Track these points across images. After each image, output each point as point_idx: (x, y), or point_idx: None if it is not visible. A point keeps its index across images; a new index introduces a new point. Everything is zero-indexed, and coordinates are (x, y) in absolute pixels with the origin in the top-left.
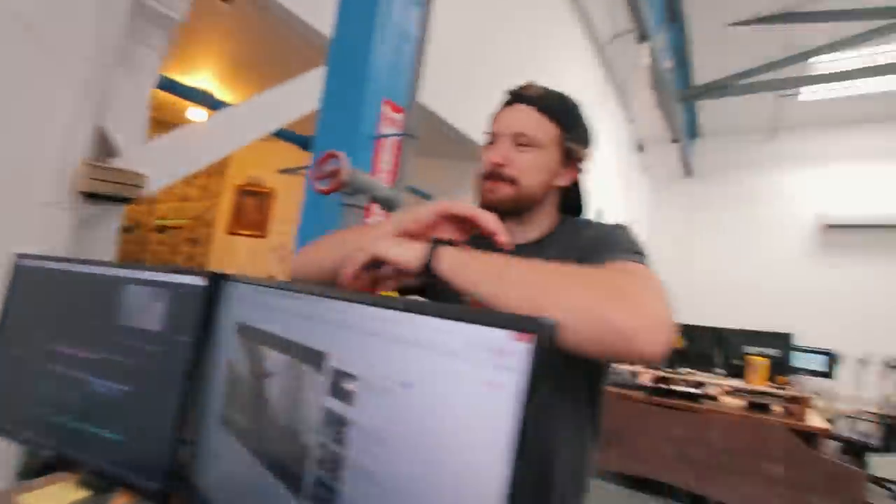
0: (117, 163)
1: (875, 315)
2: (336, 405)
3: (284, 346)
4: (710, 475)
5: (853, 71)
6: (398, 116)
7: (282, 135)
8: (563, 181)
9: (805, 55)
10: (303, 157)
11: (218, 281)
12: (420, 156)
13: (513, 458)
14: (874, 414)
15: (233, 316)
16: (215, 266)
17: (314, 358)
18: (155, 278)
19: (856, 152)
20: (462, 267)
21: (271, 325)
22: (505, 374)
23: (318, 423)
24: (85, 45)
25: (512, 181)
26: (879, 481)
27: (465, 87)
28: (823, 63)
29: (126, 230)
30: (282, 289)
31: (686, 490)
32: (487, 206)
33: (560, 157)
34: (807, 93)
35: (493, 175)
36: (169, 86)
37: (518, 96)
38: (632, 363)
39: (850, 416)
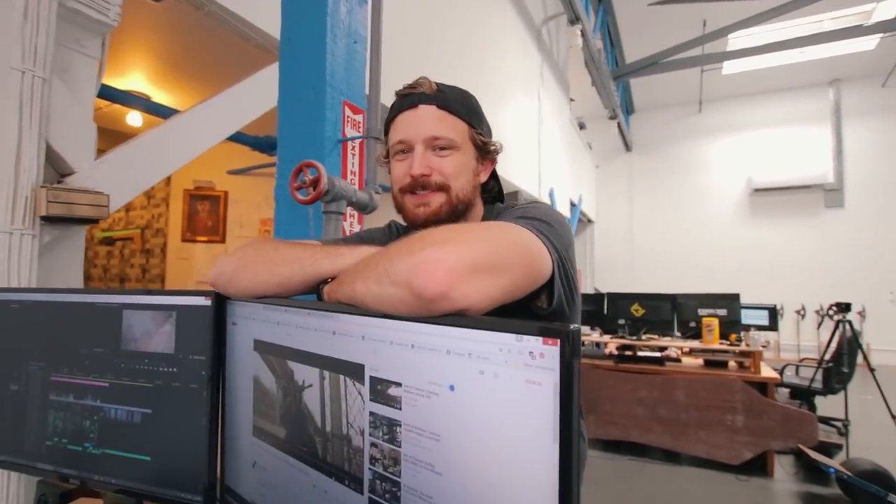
0: (72, 181)
1: (804, 269)
2: (382, 409)
3: (314, 360)
4: (679, 431)
5: (768, 45)
6: (358, 118)
7: (233, 136)
8: (484, 176)
9: (723, 31)
10: (252, 157)
11: (223, 300)
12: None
13: (560, 443)
14: (814, 360)
15: (247, 333)
16: (174, 276)
17: (352, 370)
18: (159, 302)
19: (774, 120)
20: (331, 294)
21: (293, 341)
22: (542, 373)
23: (366, 426)
24: (11, 54)
25: (441, 188)
26: (826, 420)
27: (411, 79)
28: (741, 38)
29: None
30: (297, 307)
31: (660, 447)
32: (424, 221)
33: (476, 152)
34: (728, 66)
35: (419, 187)
36: (103, 92)
37: (417, 97)
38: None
39: (794, 364)
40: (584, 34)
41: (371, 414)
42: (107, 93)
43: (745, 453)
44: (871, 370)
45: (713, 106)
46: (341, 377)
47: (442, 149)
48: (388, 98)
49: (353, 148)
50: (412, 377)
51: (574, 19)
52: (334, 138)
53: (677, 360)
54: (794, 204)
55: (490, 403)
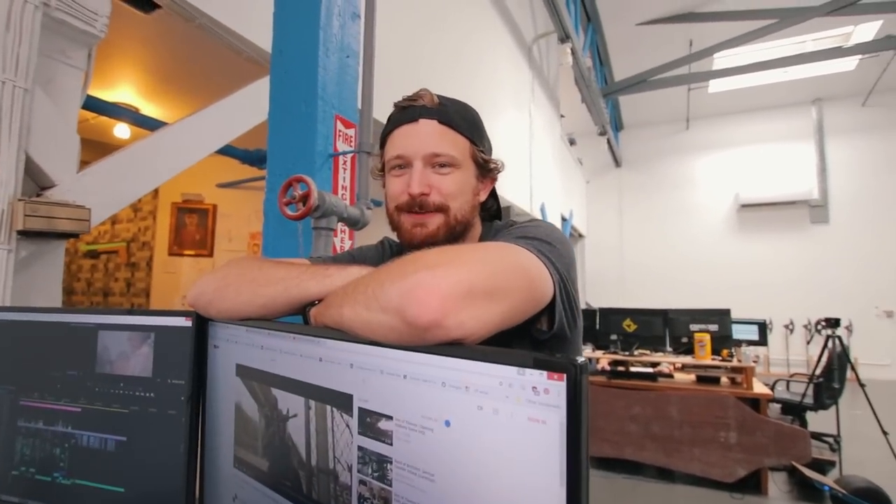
0: (53, 194)
1: (792, 284)
2: (371, 444)
3: (300, 388)
4: (673, 448)
5: (752, 65)
6: (350, 132)
7: (222, 150)
8: (483, 195)
9: (709, 51)
10: (241, 170)
11: (204, 322)
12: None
13: (568, 489)
14: (804, 375)
15: (229, 357)
16: (159, 290)
17: (340, 400)
18: (137, 322)
19: (759, 137)
20: (318, 318)
21: (277, 367)
22: (546, 411)
23: (354, 462)
24: None
25: (440, 209)
26: (817, 436)
27: (403, 93)
28: (726, 58)
29: None
30: (282, 330)
31: (654, 465)
32: (420, 243)
33: (476, 170)
34: (714, 85)
35: (417, 206)
36: (90, 103)
37: (417, 110)
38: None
39: (784, 379)
40: (573, 52)
41: (360, 448)
42: (94, 104)
43: (739, 471)
44: (862, 385)
45: (700, 123)
46: (328, 407)
47: (442, 166)
48: (380, 112)
49: (345, 162)
50: (404, 410)
51: (564, 37)
52: (325, 152)
53: (670, 375)
54: (781, 219)
55: (489, 442)
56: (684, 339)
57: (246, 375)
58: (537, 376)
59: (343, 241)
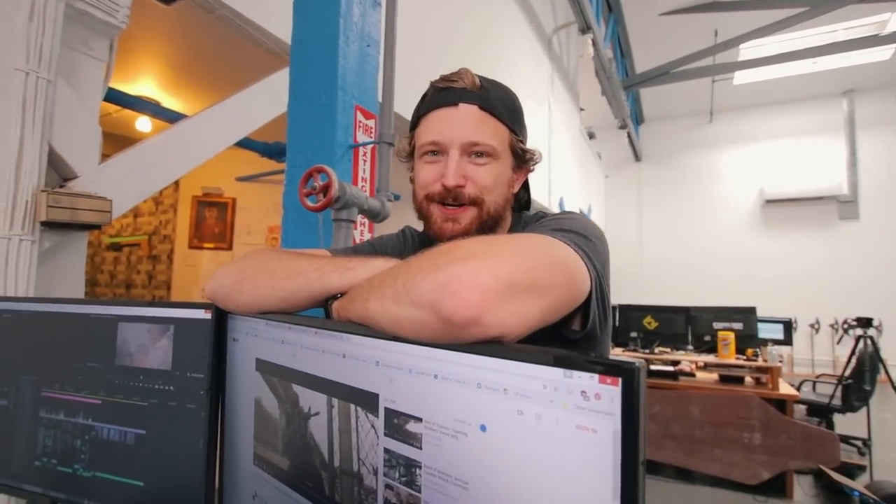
0: (75, 186)
1: (818, 281)
2: (399, 447)
3: (322, 385)
4: (694, 449)
5: (779, 55)
6: (370, 123)
7: (239, 142)
8: (517, 187)
9: (734, 41)
10: (260, 164)
11: (223, 314)
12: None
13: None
14: (831, 376)
15: (248, 351)
16: (180, 283)
17: (365, 399)
18: (156, 314)
19: (786, 131)
20: (341, 312)
21: (298, 362)
22: (598, 418)
23: (380, 465)
24: (16, 55)
25: (474, 202)
26: (846, 439)
27: (424, 87)
28: (752, 49)
29: None
30: (303, 325)
31: (673, 465)
32: (452, 237)
33: (513, 161)
34: (739, 77)
35: (451, 199)
36: (112, 96)
37: (457, 93)
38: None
39: (810, 380)
40: (594, 43)
41: (386, 451)
42: (116, 97)
43: (762, 473)
44: (895, 388)
45: (724, 116)
46: (352, 406)
47: (479, 155)
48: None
49: (365, 154)
50: (435, 412)
51: (585, 28)
52: (345, 144)
53: (691, 374)
54: (808, 215)
55: (531, 450)
56: (707, 338)
57: (266, 370)
58: (587, 380)
59: (363, 233)
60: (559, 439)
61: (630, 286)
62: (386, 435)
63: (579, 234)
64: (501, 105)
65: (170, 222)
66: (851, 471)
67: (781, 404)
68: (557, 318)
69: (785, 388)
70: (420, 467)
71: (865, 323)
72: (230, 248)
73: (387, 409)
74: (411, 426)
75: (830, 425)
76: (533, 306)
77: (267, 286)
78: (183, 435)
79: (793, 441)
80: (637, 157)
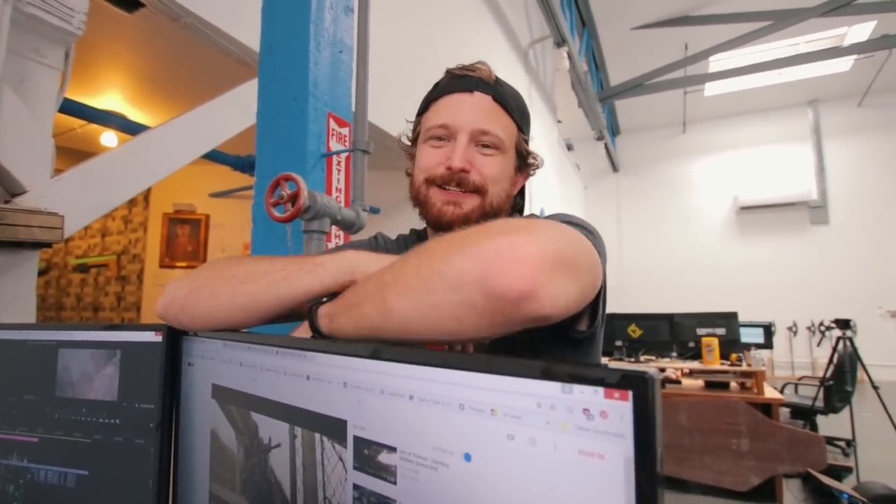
0: (23, 201)
1: (794, 285)
2: (370, 482)
3: (283, 412)
4: (683, 457)
5: (747, 67)
6: (344, 131)
7: (209, 156)
8: (517, 188)
9: (704, 54)
10: (235, 179)
11: (176, 336)
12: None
13: None
14: (811, 377)
15: (204, 376)
16: (151, 305)
17: (331, 427)
18: (101, 339)
19: (756, 140)
20: (336, 321)
21: (258, 387)
22: (605, 441)
23: (349, 503)
24: None
25: (478, 190)
26: (830, 440)
27: (399, 97)
28: (721, 61)
29: (39, 273)
30: (264, 343)
31: (664, 475)
32: (449, 223)
33: (517, 160)
34: (710, 88)
35: (453, 182)
36: (75, 109)
37: (474, 81)
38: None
39: (792, 383)
40: (569, 56)
41: (356, 487)
42: (79, 110)
43: (752, 479)
44: (875, 388)
45: (697, 127)
46: (317, 436)
47: (486, 146)
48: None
49: (339, 163)
50: (411, 440)
51: (560, 42)
52: (318, 152)
53: (677, 381)
54: (781, 221)
55: (524, 482)
56: (691, 344)
57: (223, 398)
58: (590, 395)
59: (337, 245)
60: (558, 467)
61: (612, 295)
62: (355, 468)
63: (586, 228)
64: (514, 102)
65: (140, 241)
66: (838, 473)
67: (767, 408)
68: (583, 305)
69: (769, 392)
70: None
71: (844, 324)
72: None
73: (356, 438)
74: (384, 457)
75: (814, 427)
76: (574, 285)
77: (225, 293)
78: (130, 474)
79: (780, 445)
80: (615, 168)
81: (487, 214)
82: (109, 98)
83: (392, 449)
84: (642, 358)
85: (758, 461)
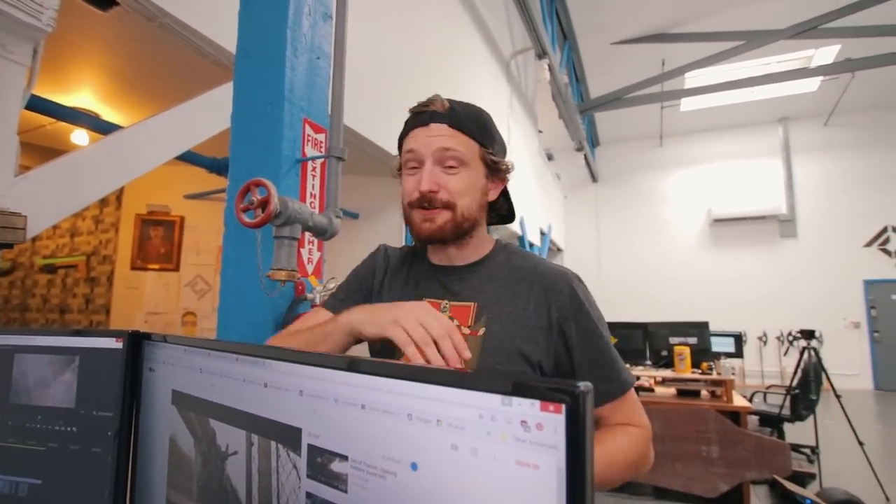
0: None
1: (764, 296)
2: (322, 490)
3: (241, 420)
4: (657, 464)
5: (721, 84)
6: (320, 137)
7: (184, 157)
8: (492, 196)
9: (680, 70)
10: (212, 180)
11: (138, 342)
12: (345, 173)
13: None
14: (780, 386)
15: (165, 382)
16: (121, 307)
17: (287, 435)
18: (59, 344)
19: (730, 155)
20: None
21: (216, 393)
22: (540, 452)
23: None
24: None
25: (447, 206)
26: (795, 447)
27: (381, 104)
28: (697, 77)
29: (2, 273)
30: (224, 350)
31: (638, 482)
32: (427, 237)
33: (485, 171)
34: (686, 103)
35: (426, 203)
36: (43, 107)
37: (429, 115)
38: None
39: (761, 391)
40: (550, 68)
41: (308, 495)
42: (48, 108)
43: (721, 485)
44: (838, 396)
45: (673, 140)
46: (273, 444)
47: (451, 166)
48: (357, 120)
49: (314, 169)
50: (362, 449)
51: (542, 54)
52: (293, 157)
53: (650, 389)
54: (752, 234)
55: (466, 492)
56: (664, 353)
57: (182, 404)
58: (527, 407)
59: (311, 251)
60: (497, 477)
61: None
62: (309, 476)
63: (623, 367)
64: (469, 122)
65: (111, 242)
66: (802, 479)
67: (736, 416)
68: None
69: (738, 400)
70: None
71: (809, 335)
72: (177, 269)
73: (310, 447)
74: (336, 466)
75: (781, 434)
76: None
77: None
78: (86, 484)
79: (748, 452)
80: (594, 179)
81: (460, 224)
82: (82, 96)
83: (344, 457)
84: None
85: (727, 468)
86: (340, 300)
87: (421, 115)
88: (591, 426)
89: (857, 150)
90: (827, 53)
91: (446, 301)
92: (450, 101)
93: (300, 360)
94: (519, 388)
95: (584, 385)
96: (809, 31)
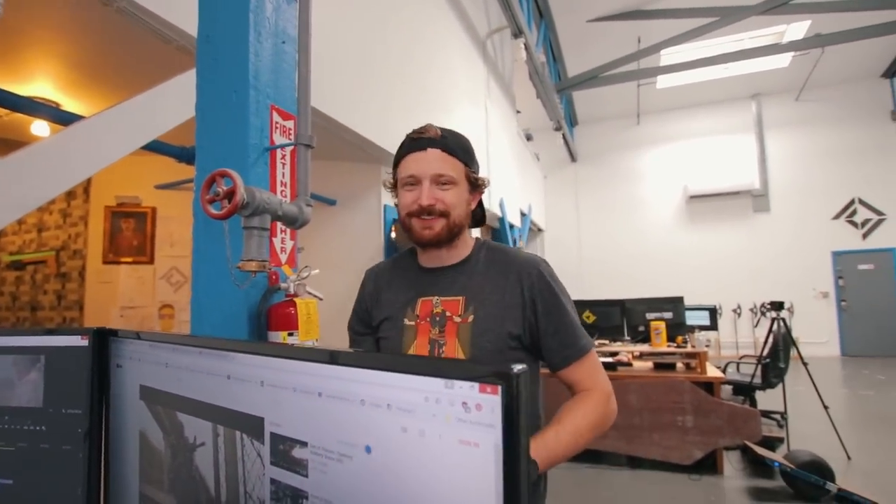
0: None
1: (738, 269)
2: (285, 475)
3: (207, 411)
4: (634, 435)
5: (696, 61)
6: (289, 124)
7: (151, 147)
8: (473, 205)
9: (655, 48)
10: (183, 170)
11: (104, 338)
12: (320, 159)
13: None
14: (752, 356)
15: (133, 378)
16: (95, 303)
17: (250, 424)
18: (23, 343)
19: (705, 131)
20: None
21: (183, 387)
22: (480, 431)
23: (267, 498)
24: None
25: (443, 215)
26: (766, 413)
27: (357, 89)
28: (672, 55)
29: None
30: (188, 344)
31: (616, 452)
32: (428, 241)
33: (469, 186)
34: (662, 81)
35: (426, 213)
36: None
37: (426, 141)
38: None
39: (734, 361)
40: (527, 48)
41: (273, 481)
42: (4, 99)
43: (696, 453)
44: (805, 364)
45: (650, 118)
46: (238, 433)
47: (444, 184)
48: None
49: (284, 157)
50: (320, 435)
51: (517, 33)
52: (261, 146)
53: (629, 364)
54: (727, 209)
55: (415, 471)
56: (641, 328)
57: (150, 398)
58: (468, 389)
59: (283, 241)
60: (443, 456)
61: (570, 283)
62: (272, 463)
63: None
64: (458, 148)
65: (80, 236)
66: (772, 443)
67: (709, 387)
68: None
69: (712, 371)
70: (307, 497)
71: (778, 306)
72: (151, 261)
73: (273, 435)
74: (297, 452)
75: (753, 402)
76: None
77: None
78: (58, 482)
79: (721, 420)
80: (573, 158)
81: (452, 229)
82: (39, 86)
83: (304, 444)
84: (597, 342)
85: (701, 436)
86: (359, 337)
87: (418, 141)
88: (524, 405)
89: (827, 125)
90: (798, 29)
91: (437, 297)
92: (441, 129)
93: (260, 352)
94: (459, 372)
95: (517, 367)
96: (780, 6)
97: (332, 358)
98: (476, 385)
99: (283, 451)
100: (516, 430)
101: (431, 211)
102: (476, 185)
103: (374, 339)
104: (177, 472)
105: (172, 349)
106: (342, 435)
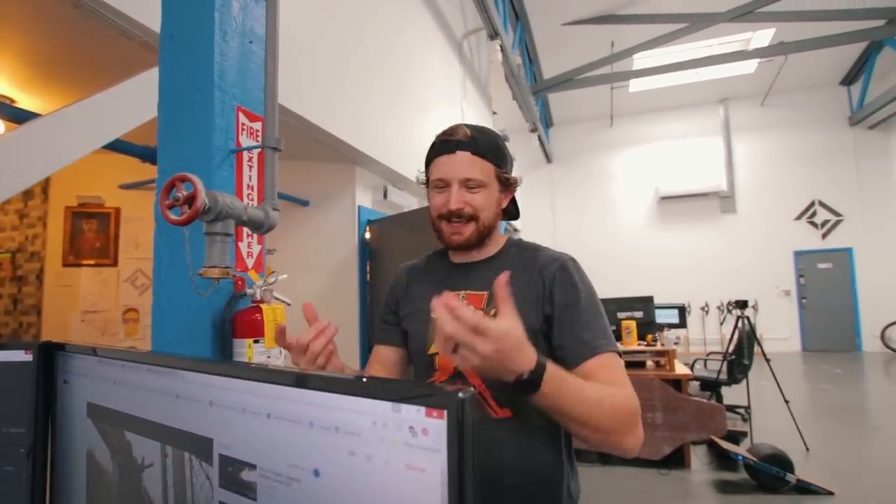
0: None
1: (706, 269)
2: (234, 499)
3: (155, 431)
4: None
5: (667, 65)
6: (256, 126)
7: (113, 146)
8: (505, 203)
9: (628, 52)
10: (149, 169)
11: (50, 353)
12: (293, 160)
13: None
14: (719, 353)
15: (80, 395)
16: (54, 307)
17: (199, 445)
18: None
19: (675, 134)
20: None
21: (131, 405)
22: (426, 456)
23: None
24: None
25: (472, 218)
26: (731, 408)
27: (331, 90)
28: (644, 59)
29: None
30: (136, 361)
31: (589, 449)
32: (457, 246)
33: (500, 186)
34: (634, 84)
35: (455, 216)
36: None
37: (454, 144)
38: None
39: (702, 358)
40: (503, 49)
41: None
42: None
43: (665, 448)
44: (767, 360)
45: (623, 121)
46: (186, 455)
47: (472, 187)
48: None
49: (251, 159)
50: (269, 458)
51: (493, 34)
52: (226, 148)
53: None
54: (696, 210)
55: (363, 496)
56: (612, 328)
57: (98, 417)
58: (414, 413)
59: (250, 245)
60: (390, 481)
61: None
62: (221, 486)
63: (610, 334)
64: (487, 148)
65: (38, 237)
66: (736, 437)
67: (678, 383)
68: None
69: (680, 368)
70: None
71: (742, 304)
72: (115, 263)
73: (221, 457)
74: (246, 475)
75: (719, 398)
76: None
77: None
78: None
79: (688, 416)
80: (548, 159)
81: (482, 232)
82: None
83: (252, 466)
84: None
85: (670, 431)
86: (387, 327)
87: (448, 143)
88: (473, 431)
89: (790, 129)
90: (763, 36)
91: (463, 291)
92: (470, 128)
93: (209, 371)
94: (406, 396)
95: (463, 392)
96: (747, 14)
97: (281, 378)
98: (423, 409)
99: (232, 473)
100: (462, 455)
101: (460, 214)
102: (507, 184)
103: (402, 330)
104: (124, 494)
105: (121, 366)
106: (291, 458)
